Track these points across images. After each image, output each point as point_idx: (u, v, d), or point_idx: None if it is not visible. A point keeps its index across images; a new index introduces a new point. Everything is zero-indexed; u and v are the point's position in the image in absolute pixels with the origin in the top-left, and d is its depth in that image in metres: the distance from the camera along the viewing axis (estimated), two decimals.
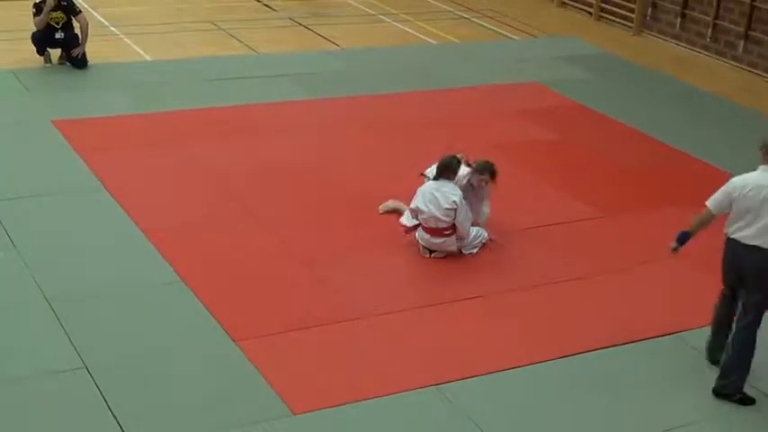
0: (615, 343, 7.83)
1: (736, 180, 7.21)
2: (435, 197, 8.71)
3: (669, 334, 7.97)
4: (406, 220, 9.00)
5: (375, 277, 8.58)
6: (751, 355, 7.23)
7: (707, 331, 7.82)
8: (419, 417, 6.86)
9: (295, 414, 6.76)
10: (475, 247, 9.01)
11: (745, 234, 7.09)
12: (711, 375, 7.45)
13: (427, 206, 8.72)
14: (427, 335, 7.82)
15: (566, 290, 8.60)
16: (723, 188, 7.24)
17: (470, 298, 8.36)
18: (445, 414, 6.90)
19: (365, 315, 7.98)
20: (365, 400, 6.95)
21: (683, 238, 7.41)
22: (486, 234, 9.09)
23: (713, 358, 7.52)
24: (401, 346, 7.66)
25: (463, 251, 8.95)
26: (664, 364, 7.65)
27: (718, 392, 7.26)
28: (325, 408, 6.83)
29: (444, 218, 8.68)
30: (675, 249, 7.45)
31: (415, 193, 8.90)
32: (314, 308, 8.03)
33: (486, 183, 9.18)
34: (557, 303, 8.39)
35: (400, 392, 7.05)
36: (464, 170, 9.08)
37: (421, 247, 8.94)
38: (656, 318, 8.21)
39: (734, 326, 7.28)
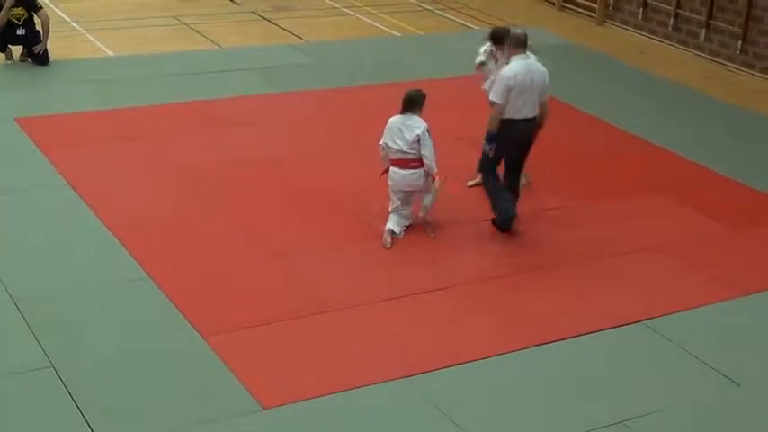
0: (584, 332, 7.87)
1: (508, 73, 8.87)
2: (401, 130, 8.98)
3: (638, 322, 8.02)
4: (393, 224, 9.09)
5: (344, 270, 8.58)
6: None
7: (677, 319, 7.99)
8: (390, 409, 6.85)
9: (265, 408, 6.74)
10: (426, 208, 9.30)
11: (526, 112, 8.90)
12: (680, 361, 7.53)
13: (394, 141, 9.00)
14: (397, 327, 7.83)
15: (533, 280, 8.63)
16: (500, 83, 8.83)
17: (439, 289, 8.37)
18: (416, 405, 6.90)
19: (334, 308, 7.98)
20: (335, 393, 6.94)
21: (492, 139, 8.97)
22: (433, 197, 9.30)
23: (511, 214, 9.13)
24: (371, 338, 7.66)
25: (421, 213, 9.21)
26: (632, 352, 7.69)
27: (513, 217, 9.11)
28: (295, 402, 6.82)
29: (410, 150, 8.94)
30: (490, 150, 8.98)
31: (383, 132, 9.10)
32: (282, 301, 8.02)
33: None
34: (525, 293, 8.42)
35: (371, 385, 7.05)
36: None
37: (385, 236, 8.96)
38: (625, 306, 8.25)
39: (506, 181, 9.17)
